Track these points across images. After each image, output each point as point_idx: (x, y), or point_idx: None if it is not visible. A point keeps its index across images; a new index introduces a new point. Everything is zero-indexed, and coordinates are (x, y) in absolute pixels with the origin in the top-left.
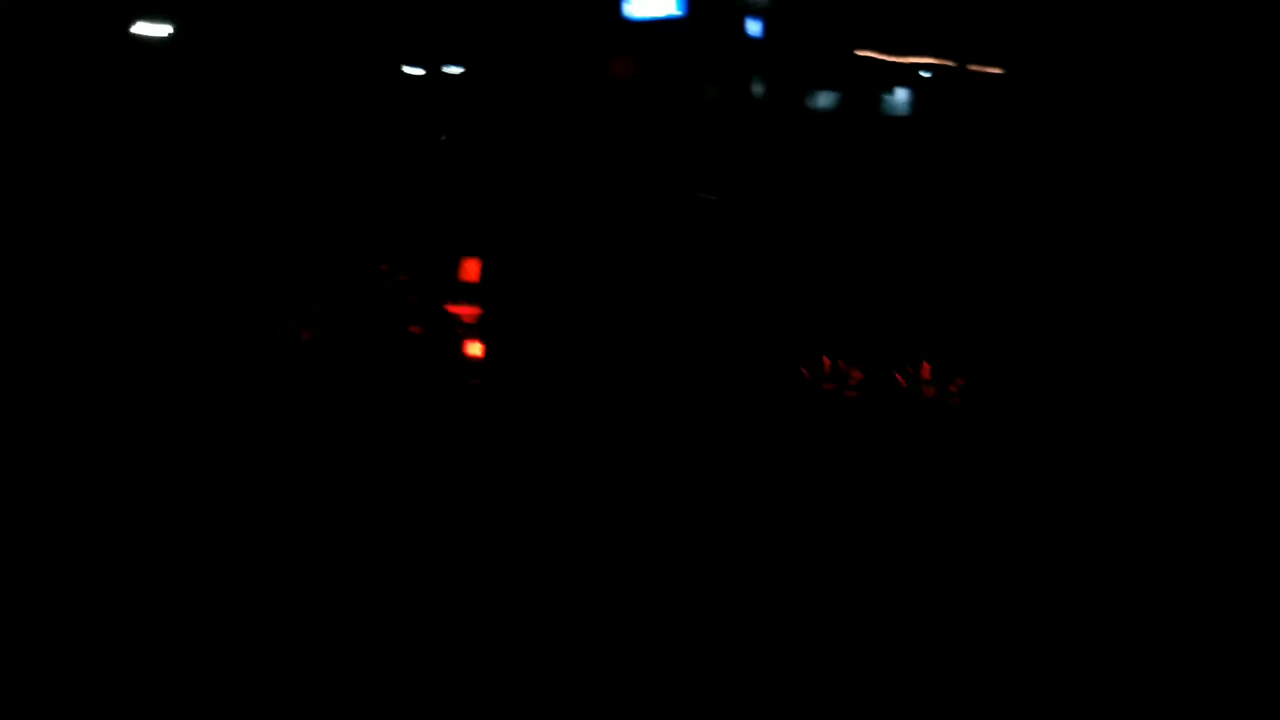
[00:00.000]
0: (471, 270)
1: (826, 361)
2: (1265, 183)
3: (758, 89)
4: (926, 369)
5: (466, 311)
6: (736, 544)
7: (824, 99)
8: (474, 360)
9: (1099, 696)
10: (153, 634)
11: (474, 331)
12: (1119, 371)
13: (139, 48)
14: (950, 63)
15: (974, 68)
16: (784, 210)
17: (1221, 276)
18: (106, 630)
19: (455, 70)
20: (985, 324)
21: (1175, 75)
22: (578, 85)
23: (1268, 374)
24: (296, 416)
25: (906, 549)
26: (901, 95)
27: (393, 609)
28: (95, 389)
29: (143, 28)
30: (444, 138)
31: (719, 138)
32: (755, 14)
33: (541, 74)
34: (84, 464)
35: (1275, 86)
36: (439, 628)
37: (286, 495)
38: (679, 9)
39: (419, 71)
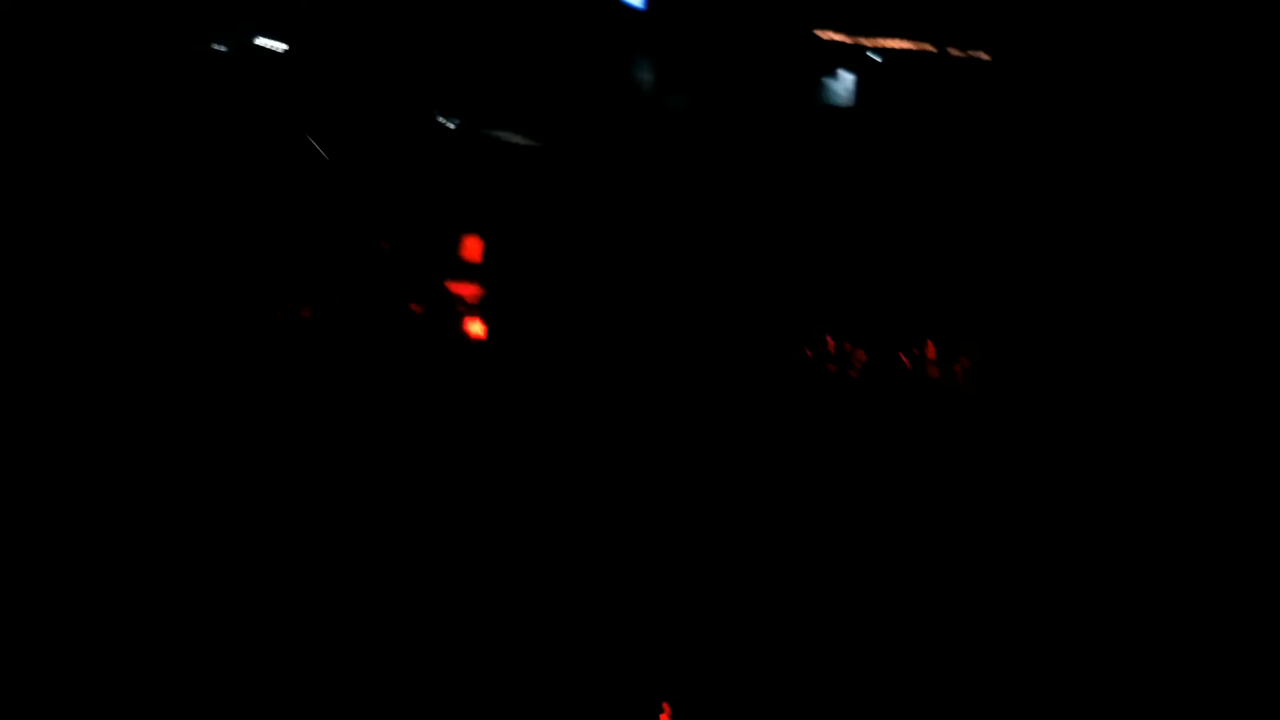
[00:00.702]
0: (473, 249)
1: (830, 342)
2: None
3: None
4: (931, 349)
5: (468, 290)
6: (741, 525)
7: (811, 81)
8: (475, 340)
9: (1107, 678)
10: (152, 620)
11: (475, 311)
12: (1126, 353)
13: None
14: (942, 36)
15: (956, 49)
16: (786, 189)
17: (1232, 252)
18: (105, 619)
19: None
20: (991, 304)
21: (1184, 46)
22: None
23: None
24: (297, 395)
25: (911, 531)
26: (898, 73)
27: (391, 591)
28: (93, 365)
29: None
30: (441, 120)
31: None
32: None
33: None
34: (85, 441)
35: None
36: (439, 613)
37: (286, 474)
38: None
39: (418, 53)
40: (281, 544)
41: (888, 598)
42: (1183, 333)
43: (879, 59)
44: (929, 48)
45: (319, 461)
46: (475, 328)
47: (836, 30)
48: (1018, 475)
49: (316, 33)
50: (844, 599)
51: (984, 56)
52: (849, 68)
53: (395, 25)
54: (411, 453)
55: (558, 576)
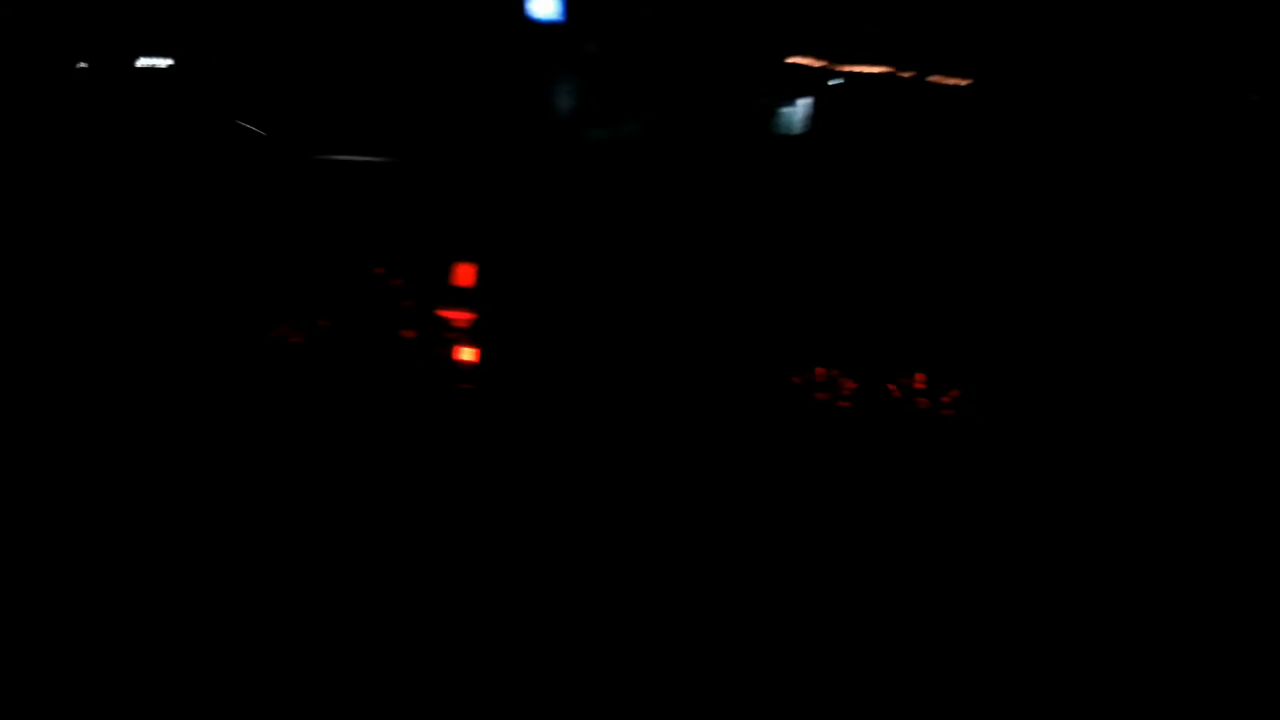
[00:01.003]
0: (465, 275)
1: (820, 371)
2: (1265, 188)
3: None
4: (920, 379)
5: (459, 317)
6: (728, 556)
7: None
8: (466, 366)
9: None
10: (146, 645)
11: (467, 337)
12: (1119, 382)
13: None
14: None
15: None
16: (774, 215)
17: (1224, 286)
18: (99, 641)
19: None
20: (980, 334)
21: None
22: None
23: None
24: (288, 421)
25: (899, 563)
26: (895, 94)
27: (384, 619)
28: (80, 392)
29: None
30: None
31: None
32: None
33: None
34: (71, 469)
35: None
36: (430, 640)
37: (276, 502)
38: None
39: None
40: (276, 574)
41: (872, 635)
42: (1184, 362)
43: (841, 81)
44: (903, 72)
45: (310, 488)
46: (466, 354)
47: (797, 53)
48: (1007, 507)
49: (296, 43)
50: (826, 637)
51: (961, 81)
52: (809, 91)
53: (374, 37)
54: (402, 479)
55: (555, 600)
